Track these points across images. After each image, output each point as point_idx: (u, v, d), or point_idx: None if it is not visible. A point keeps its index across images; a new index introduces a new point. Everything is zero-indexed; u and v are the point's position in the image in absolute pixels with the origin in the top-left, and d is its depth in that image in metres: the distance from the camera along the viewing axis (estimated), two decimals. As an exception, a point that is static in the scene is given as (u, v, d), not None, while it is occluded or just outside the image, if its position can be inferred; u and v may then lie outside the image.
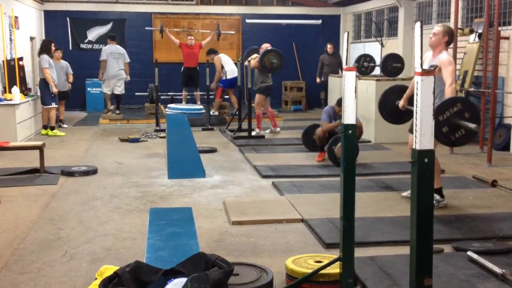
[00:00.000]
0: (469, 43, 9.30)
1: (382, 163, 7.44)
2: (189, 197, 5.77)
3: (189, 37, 12.87)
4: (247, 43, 14.05)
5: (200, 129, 10.81)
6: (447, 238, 4.32)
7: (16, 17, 11.08)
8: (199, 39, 13.73)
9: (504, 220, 4.85)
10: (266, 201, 5.53)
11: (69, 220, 4.95)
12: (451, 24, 9.49)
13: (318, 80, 13.60)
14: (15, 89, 9.34)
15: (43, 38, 13.11)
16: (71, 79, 11.36)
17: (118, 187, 6.19)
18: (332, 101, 11.63)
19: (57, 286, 3.51)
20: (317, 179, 6.53)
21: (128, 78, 12.38)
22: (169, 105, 11.75)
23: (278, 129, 10.55)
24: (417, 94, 2.30)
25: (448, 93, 4.78)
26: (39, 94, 10.46)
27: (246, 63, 10.61)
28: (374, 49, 13.33)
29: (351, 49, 15.16)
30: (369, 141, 9.16)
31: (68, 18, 14.52)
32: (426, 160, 2.32)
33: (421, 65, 2.29)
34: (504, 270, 3.49)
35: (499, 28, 8.17)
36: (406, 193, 5.54)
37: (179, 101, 12.95)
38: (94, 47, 14.44)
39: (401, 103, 5.50)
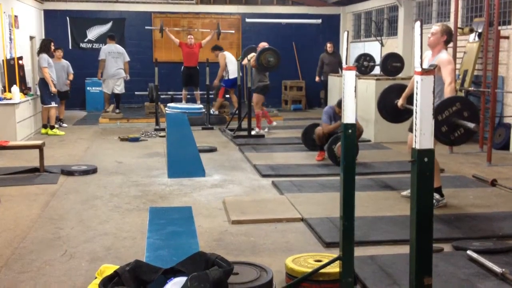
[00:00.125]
0: (469, 43, 9.30)
1: (382, 162, 7.44)
2: (189, 196, 5.77)
3: (188, 36, 12.87)
4: (247, 43, 14.04)
5: (200, 128, 10.81)
6: (447, 237, 4.33)
7: (16, 16, 11.08)
8: (199, 39, 13.73)
9: (504, 219, 4.85)
10: (266, 200, 5.53)
11: (69, 219, 4.95)
12: (451, 23, 9.49)
13: (317, 79, 13.60)
14: (15, 88, 9.34)
15: (43, 37, 13.11)
16: (71, 77, 11.36)
17: (118, 186, 6.19)
18: (332, 101, 11.64)
19: (57, 285, 3.51)
20: (317, 178, 6.53)
21: (128, 77, 12.39)
22: (169, 104, 11.76)
23: (275, 123, 10.63)
24: (417, 94, 2.30)
25: (448, 92, 4.79)
26: (38, 93, 10.46)
27: (245, 62, 10.60)
28: (374, 49, 13.33)
29: (351, 49, 15.16)
30: (369, 140, 9.16)
31: (68, 18, 14.52)
32: (426, 159, 2.32)
33: (421, 65, 2.29)
34: (504, 269, 3.49)
35: (499, 28, 8.16)
36: (406, 192, 5.55)
37: (179, 100, 12.95)
38: (94, 47, 14.44)
39: (400, 102, 5.50)
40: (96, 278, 3.30)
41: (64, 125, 11.26)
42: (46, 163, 7.01)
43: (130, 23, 14.82)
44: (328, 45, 13.50)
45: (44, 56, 10.20)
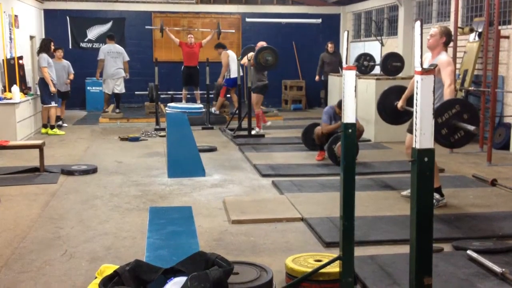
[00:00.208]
0: (469, 42, 9.30)
1: (382, 162, 7.45)
2: (189, 196, 5.77)
3: (188, 36, 12.87)
4: (247, 42, 14.04)
5: (200, 128, 10.81)
6: (447, 237, 4.33)
7: (16, 16, 11.08)
8: (199, 38, 13.73)
9: (504, 219, 4.85)
10: (266, 200, 5.53)
11: (69, 219, 4.95)
12: (451, 23, 9.50)
13: (317, 78, 13.60)
14: (15, 88, 9.34)
15: (43, 37, 13.11)
16: (71, 77, 11.35)
17: (118, 186, 6.19)
18: (332, 100, 11.64)
19: (57, 285, 3.51)
20: (317, 178, 6.53)
21: (127, 76, 12.37)
22: (169, 104, 11.76)
23: (269, 123, 10.64)
24: (417, 93, 2.30)
25: (447, 94, 4.78)
26: (38, 93, 10.46)
27: (244, 61, 10.58)
28: (374, 48, 13.33)
29: (351, 48, 15.16)
30: (369, 140, 9.16)
31: (68, 17, 14.52)
32: (426, 159, 2.32)
33: (421, 64, 2.29)
34: (503, 269, 3.49)
35: (499, 27, 8.16)
36: (406, 192, 5.54)
37: (179, 100, 12.94)
38: (94, 46, 14.43)
39: (399, 103, 5.49)
40: (96, 278, 3.30)
41: (64, 125, 11.25)
42: (46, 162, 7.01)
43: (130, 23, 14.82)
44: (329, 45, 13.50)
45: (44, 55, 10.20)
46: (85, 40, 14.71)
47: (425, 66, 4.98)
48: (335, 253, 3.59)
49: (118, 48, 12.19)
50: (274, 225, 4.74)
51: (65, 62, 11.21)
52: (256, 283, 3.12)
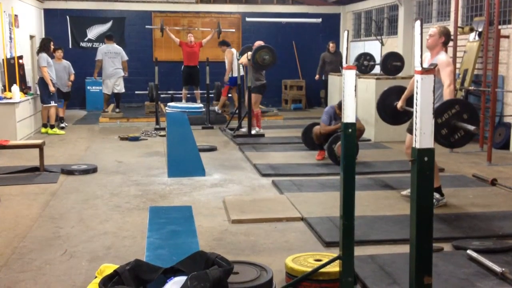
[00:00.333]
0: (469, 42, 9.30)
1: (382, 162, 7.44)
2: (189, 195, 5.77)
3: (189, 35, 12.87)
4: (247, 42, 14.02)
5: (200, 127, 10.81)
6: (447, 236, 4.33)
7: (16, 15, 11.08)
8: (199, 38, 13.73)
9: (504, 219, 4.85)
10: (266, 200, 5.53)
11: (69, 218, 4.95)
12: (451, 22, 9.50)
13: (317, 77, 13.60)
14: (15, 88, 9.34)
15: (43, 36, 13.10)
16: (72, 78, 11.34)
17: (118, 185, 6.19)
18: (332, 100, 11.64)
19: (57, 284, 3.51)
20: (317, 178, 6.53)
21: (126, 74, 12.33)
22: (169, 104, 11.76)
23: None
24: (417, 93, 2.30)
25: (447, 94, 4.77)
26: (38, 92, 10.46)
27: (244, 61, 10.57)
28: (374, 48, 13.33)
29: (351, 48, 15.16)
30: (369, 140, 9.16)
31: (68, 17, 14.53)
32: (426, 158, 2.32)
33: (421, 64, 2.29)
34: (503, 269, 3.49)
35: (499, 27, 8.16)
36: (406, 192, 5.54)
37: (179, 99, 12.94)
38: (94, 46, 14.42)
39: (399, 104, 5.49)
40: (96, 277, 3.30)
41: (62, 125, 11.20)
42: (46, 162, 7.01)
43: (130, 22, 14.82)
44: (331, 44, 13.51)
45: (44, 55, 10.19)
46: (85, 39, 14.71)
47: (425, 66, 4.98)
48: (335, 252, 3.59)
49: (116, 48, 12.17)
50: (274, 224, 4.74)
51: (65, 62, 11.20)
52: (256, 283, 3.13)
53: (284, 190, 5.85)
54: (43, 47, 10.35)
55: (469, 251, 3.84)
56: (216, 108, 12.01)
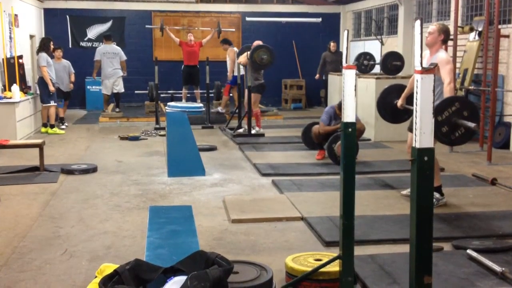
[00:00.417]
0: (469, 41, 9.29)
1: (382, 161, 7.44)
2: (189, 195, 5.77)
3: (188, 34, 12.87)
4: (247, 41, 14.02)
5: (200, 127, 10.80)
6: (447, 236, 4.33)
7: (16, 15, 11.08)
8: (199, 37, 13.72)
9: (504, 218, 4.85)
10: (266, 199, 5.53)
11: (69, 218, 4.95)
12: (451, 22, 9.50)
13: (317, 76, 13.60)
14: (15, 87, 9.34)
15: (43, 36, 13.10)
16: (72, 78, 11.34)
17: (118, 185, 6.19)
18: (332, 100, 11.65)
19: (57, 284, 3.51)
20: (317, 177, 6.53)
21: (125, 74, 12.32)
22: (169, 103, 11.76)
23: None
24: (417, 93, 2.30)
25: (447, 92, 4.78)
26: (38, 92, 10.46)
27: (244, 61, 10.56)
28: (374, 47, 13.33)
29: (351, 47, 15.15)
30: (369, 139, 9.16)
31: (68, 16, 14.52)
32: (426, 158, 2.32)
33: (421, 63, 2.29)
34: (503, 268, 3.49)
35: (499, 26, 8.16)
36: (406, 191, 5.54)
37: (179, 99, 12.94)
38: (94, 45, 14.40)
39: (399, 102, 5.49)
40: (96, 277, 3.30)
41: (63, 126, 11.18)
42: (46, 162, 7.01)
43: (130, 22, 14.81)
44: (332, 44, 13.52)
45: (43, 55, 10.19)
46: (85, 39, 14.71)
47: (424, 63, 5.01)
48: (335, 252, 3.59)
49: (115, 48, 12.16)
50: (274, 224, 4.74)
51: (65, 62, 11.19)
52: (256, 282, 3.13)
53: (284, 190, 5.85)
54: (43, 46, 10.35)
55: (469, 251, 3.84)
56: (219, 108, 12.01)
